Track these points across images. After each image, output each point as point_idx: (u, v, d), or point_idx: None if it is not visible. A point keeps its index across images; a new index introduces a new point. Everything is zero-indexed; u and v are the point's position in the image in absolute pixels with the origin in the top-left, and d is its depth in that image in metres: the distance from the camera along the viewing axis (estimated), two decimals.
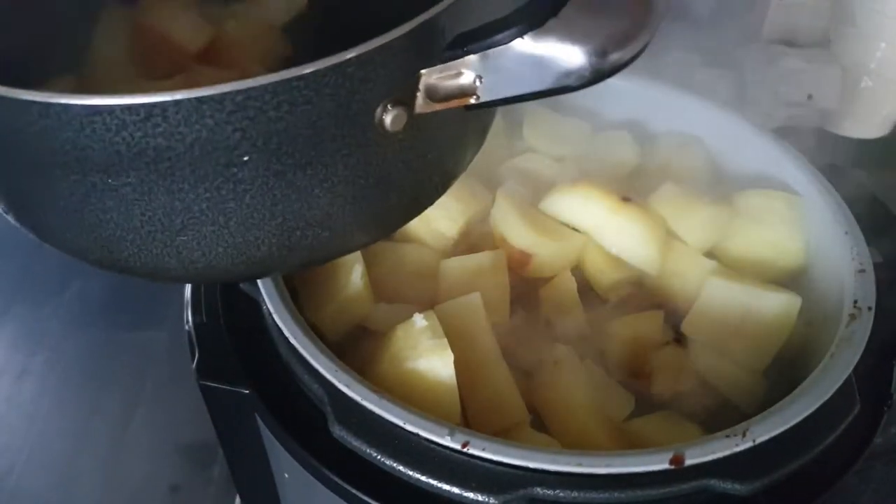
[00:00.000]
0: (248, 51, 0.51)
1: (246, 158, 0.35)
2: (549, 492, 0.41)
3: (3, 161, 0.39)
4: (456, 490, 0.41)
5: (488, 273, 0.55)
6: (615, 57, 0.35)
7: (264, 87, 0.33)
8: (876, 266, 0.52)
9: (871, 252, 0.53)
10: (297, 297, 0.52)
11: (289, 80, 0.33)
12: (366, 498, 0.43)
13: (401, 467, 0.42)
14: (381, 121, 0.37)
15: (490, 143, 0.66)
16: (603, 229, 0.57)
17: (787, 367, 0.54)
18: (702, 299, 0.55)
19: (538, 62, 0.35)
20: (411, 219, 0.47)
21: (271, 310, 0.47)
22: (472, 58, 0.35)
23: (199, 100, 0.33)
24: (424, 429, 0.41)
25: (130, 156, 0.34)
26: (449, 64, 0.36)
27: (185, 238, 0.39)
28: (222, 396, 0.49)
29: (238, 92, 0.33)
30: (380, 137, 0.38)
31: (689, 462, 0.40)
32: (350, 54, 0.34)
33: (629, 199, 0.57)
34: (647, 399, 0.53)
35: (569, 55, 0.34)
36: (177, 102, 0.33)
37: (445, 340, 0.46)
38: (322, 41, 0.37)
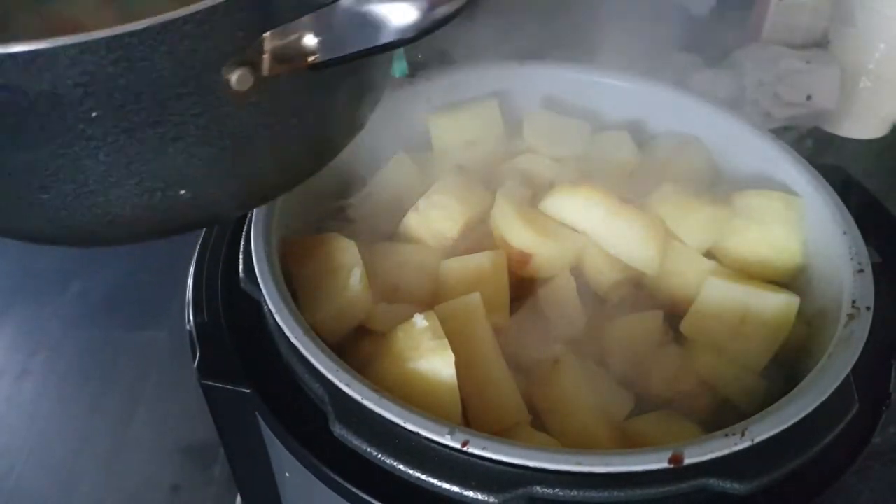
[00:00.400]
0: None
1: (94, 115, 0.36)
2: (548, 490, 0.41)
3: None
4: (456, 489, 0.41)
5: (488, 273, 0.55)
6: (442, 10, 0.37)
7: (98, 42, 0.33)
8: (875, 266, 0.52)
9: (869, 252, 0.53)
10: (297, 299, 0.52)
11: (122, 35, 0.34)
12: (366, 497, 0.43)
13: (401, 466, 0.42)
14: (227, 80, 0.38)
15: (489, 143, 0.67)
16: (602, 231, 0.57)
17: (785, 366, 0.54)
18: (700, 299, 0.55)
19: (369, 20, 0.37)
20: (288, 188, 0.46)
21: (272, 310, 0.47)
22: (306, 19, 0.38)
23: (35, 52, 0.33)
24: (424, 428, 0.41)
25: None
26: (288, 26, 0.38)
27: (48, 196, 0.39)
28: (223, 396, 0.49)
29: (73, 46, 0.33)
30: (230, 97, 0.38)
31: (688, 461, 0.40)
32: (183, 12, 0.34)
33: (628, 201, 0.57)
34: (647, 399, 0.53)
35: (398, 11, 0.37)
36: (13, 56, 0.33)
37: (446, 341, 0.47)
38: None
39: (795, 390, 0.45)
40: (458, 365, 0.49)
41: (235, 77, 0.38)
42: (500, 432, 0.46)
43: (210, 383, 0.49)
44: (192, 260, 0.57)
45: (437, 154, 0.67)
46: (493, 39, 0.70)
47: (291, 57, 0.39)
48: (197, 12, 0.34)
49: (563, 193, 0.58)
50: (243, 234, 0.54)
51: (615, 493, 0.41)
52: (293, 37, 0.38)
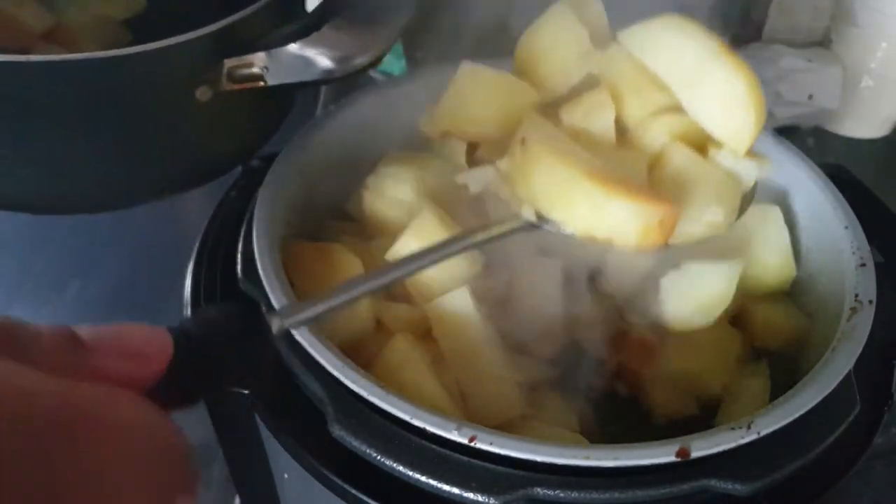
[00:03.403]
0: (89, 36, 0.63)
1: (78, 114, 0.48)
2: (549, 492, 0.41)
3: None
4: (456, 490, 0.41)
5: None
6: (356, 62, 0.53)
7: (95, 60, 0.46)
8: (877, 266, 0.52)
9: (872, 252, 0.53)
10: None
11: (120, 57, 0.46)
12: (365, 498, 0.43)
13: (400, 467, 0.42)
14: (193, 93, 0.51)
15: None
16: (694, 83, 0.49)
17: (789, 362, 0.54)
18: None
19: (305, 60, 0.52)
20: (207, 181, 0.58)
21: (275, 306, 0.47)
22: (260, 54, 0.51)
23: (48, 63, 0.45)
24: (431, 423, 0.41)
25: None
26: (244, 57, 0.51)
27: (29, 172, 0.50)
28: (222, 397, 0.49)
29: (74, 62, 0.46)
30: (190, 106, 0.51)
31: (694, 454, 0.40)
32: (170, 42, 0.48)
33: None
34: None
35: (324, 58, 0.52)
36: (21, 64, 0.45)
37: (424, 363, 0.47)
38: (160, 34, 0.49)
39: (800, 384, 0.44)
40: (454, 362, 0.49)
41: (199, 91, 0.51)
42: (500, 426, 0.46)
43: None
44: (190, 260, 0.57)
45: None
46: (492, 38, 0.70)
47: (244, 79, 0.52)
48: (181, 42, 0.48)
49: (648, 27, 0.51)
50: (242, 234, 0.54)
51: (616, 495, 0.41)
52: (246, 64, 0.51)
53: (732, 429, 0.41)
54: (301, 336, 0.45)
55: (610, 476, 0.41)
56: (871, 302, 0.49)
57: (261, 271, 0.49)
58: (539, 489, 0.41)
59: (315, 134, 0.60)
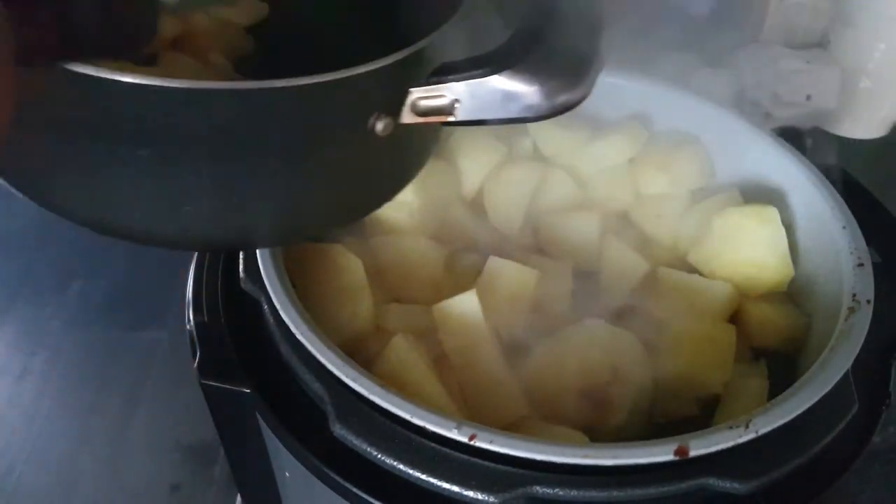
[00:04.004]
0: (213, 43, 0.58)
1: (259, 146, 0.41)
2: (548, 491, 0.41)
3: (42, 131, 0.41)
4: (456, 489, 0.41)
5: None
6: (563, 98, 0.44)
7: (288, 89, 0.39)
8: (874, 267, 0.52)
9: (870, 253, 0.53)
10: None
11: (309, 87, 0.39)
12: (366, 497, 0.43)
13: (401, 466, 0.42)
14: (374, 126, 0.43)
15: (488, 141, 0.67)
16: None
17: (787, 361, 0.54)
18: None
19: (506, 95, 0.43)
20: (375, 209, 0.53)
21: (277, 306, 0.47)
22: (455, 84, 0.43)
23: (236, 91, 0.39)
24: (431, 422, 0.41)
25: (162, 132, 0.40)
26: (434, 87, 0.44)
27: (189, 209, 0.43)
28: (223, 396, 0.49)
29: (268, 90, 0.38)
30: (369, 139, 0.44)
31: (693, 453, 0.40)
32: (363, 69, 0.40)
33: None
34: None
35: (531, 93, 0.43)
36: (215, 91, 0.38)
37: (425, 362, 0.48)
38: (283, 43, 0.46)
39: (798, 383, 0.45)
40: (457, 364, 0.49)
41: (381, 125, 0.43)
42: (503, 428, 0.47)
43: (210, 383, 0.49)
44: (192, 260, 0.57)
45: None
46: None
47: (430, 112, 0.44)
48: (371, 70, 0.40)
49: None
50: None
51: (615, 493, 0.41)
52: (434, 94, 0.44)
53: (731, 428, 0.41)
54: (302, 336, 0.45)
55: (609, 474, 0.41)
56: (868, 302, 0.49)
57: (262, 271, 0.49)
58: (538, 487, 0.41)
59: None
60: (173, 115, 0.38)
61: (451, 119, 0.44)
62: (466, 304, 0.51)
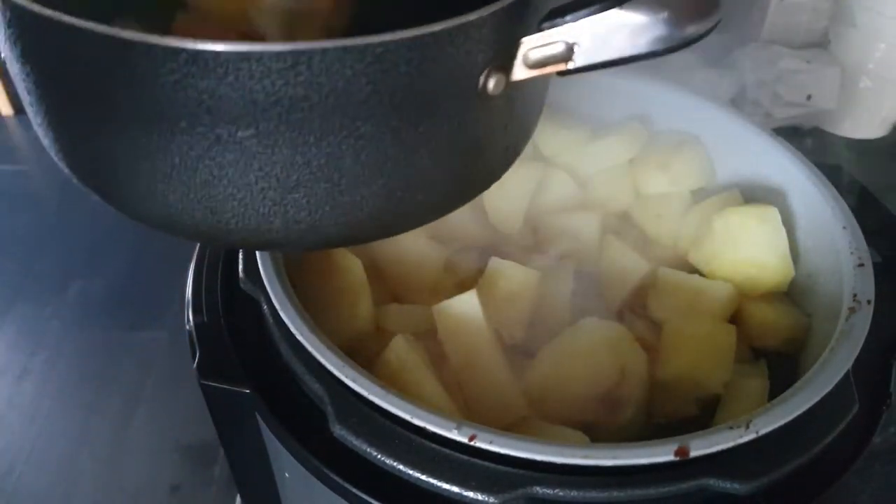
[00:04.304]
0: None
1: (371, 113, 0.37)
2: (548, 491, 0.41)
3: (110, 116, 0.37)
4: (456, 489, 0.41)
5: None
6: (695, 26, 0.39)
7: (400, 42, 0.35)
8: (875, 266, 0.52)
9: (870, 253, 0.53)
10: None
11: (422, 37, 0.35)
12: (366, 497, 0.43)
13: (401, 467, 0.42)
14: (485, 84, 0.38)
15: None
16: None
17: (787, 362, 0.54)
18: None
19: (630, 29, 0.38)
20: (485, 189, 0.47)
21: (277, 307, 0.47)
22: (569, 26, 0.38)
23: (345, 49, 0.34)
24: (431, 423, 0.41)
25: (266, 105, 0.35)
26: (547, 32, 0.38)
27: (297, 196, 0.39)
28: (223, 396, 0.49)
29: (379, 44, 0.34)
30: (480, 101, 0.39)
31: (693, 453, 0.40)
32: (472, 16, 0.36)
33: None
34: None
35: (657, 23, 0.38)
36: (323, 50, 0.34)
37: (425, 363, 0.48)
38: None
39: (798, 383, 0.45)
40: (457, 364, 0.49)
41: (493, 82, 0.38)
42: (502, 429, 0.47)
43: (210, 384, 0.49)
44: (191, 260, 0.57)
45: None
46: None
47: (544, 63, 0.39)
48: (481, 17, 0.36)
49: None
50: None
51: (615, 494, 0.41)
52: (548, 42, 0.39)
53: (731, 428, 0.41)
54: (302, 336, 0.45)
55: (609, 475, 0.41)
56: (869, 302, 0.49)
57: (262, 272, 0.49)
58: (539, 488, 0.41)
59: None
60: (277, 83, 0.34)
61: (569, 67, 0.39)
62: (466, 304, 0.51)
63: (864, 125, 1.01)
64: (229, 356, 0.50)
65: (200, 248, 0.58)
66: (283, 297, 0.47)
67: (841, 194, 0.57)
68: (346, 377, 0.43)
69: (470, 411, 0.49)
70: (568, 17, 0.38)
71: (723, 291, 0.56)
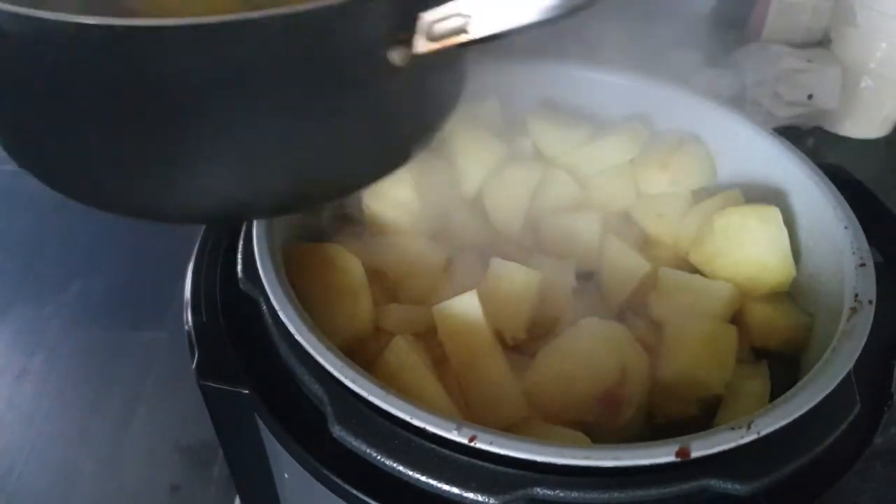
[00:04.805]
0: None
1: (281, 84, 0.40)
2: (549, 492, 0.41)
3: (46, 98, 0.39)
4: (456, 490, 0.41)
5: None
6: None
7: (301, 14, 0.37)
8: (876, 266, 0.52)
9: (871, 252, 0.53)
10: None
11: (321, 9, 0.38)
12: (365, 498, 0.43)
13: (401, 468, 0.42)
14: (387, 57, 0.42)
15: (488, 140, 0.67)
16: None
17: (789, 362, 0.54)
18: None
19: (519, 1, 0.40)
20: (404, 162, 0.50)
21: (276, 307, 0.47)
22: (460, 1, 0.41)
23: (244, 22, 0.36)
24: (431, 423, 0.41)
25: (172, 83, 0.37)
26: (443, 7, 0.41)
27: (208, 167, 0.41)
28: (222, 397, 0.49)
29: (279, 17, 0.36)
30: (388, 72, 0.43)
31: (694, 454, 0.40)
32: None
33: None
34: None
35: None
36: (223, 23, 0.36)
37: (424, 364, 0.48)
38: None
39: (800, 384, 0.44)
40: (458, 364, 0.49)
41: (396, 54, 0.42)
42: (503, 429, 0.46)
43: (209, 384, 0.49)
44: (191, 260, 0.57)
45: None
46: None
47: (444, 36, 0.42)
48: None
49: None
50: (242, 234, 0.54)
51: (616, 495, 0.41)
52: (445, 15, 0.42)
53: (732, 429, 0.41)
54: (301, 336, 0.45)
55: (610, 476, 0.41)
56: (870, 302, 0.49)
57: (261, 272, 0.49)
58: (539, 489, 0.41)
59: None
60: (185, 60, 0.36)
61: (467, 38, 0.42)
62: (466, 304, 0.51)
63: (865, 124, 1.01)
64: (228, 356, 0.50)
65: (199, 248, 0.58)
66: (283, 298, 0.47)
67: (842, 193, 0.57)
68: (346, 378, 0.43)
69: (470, 412, 0.49)
70: None
71: (724, 291, 0.56)
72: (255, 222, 0.52)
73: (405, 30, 0.42)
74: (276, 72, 0.39)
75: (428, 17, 0.42)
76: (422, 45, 0.42)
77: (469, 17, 0.41)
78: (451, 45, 0.42)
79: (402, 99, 0.45)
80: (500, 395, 0.50)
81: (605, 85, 0.70)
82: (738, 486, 0.41)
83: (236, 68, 0.37)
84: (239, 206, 0.45)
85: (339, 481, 0.44)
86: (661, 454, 0.40)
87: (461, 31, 0.42)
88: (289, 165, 0.43)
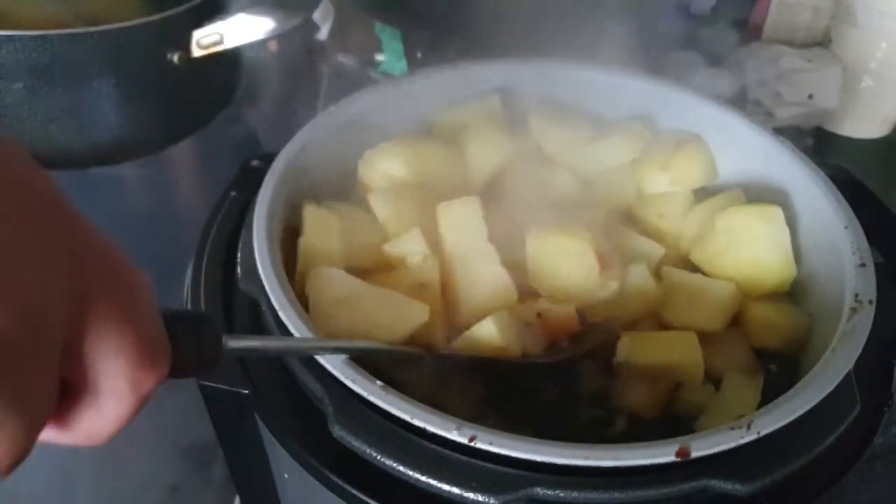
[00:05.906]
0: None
1: (98, 73, 0.70)
2: (549, 492, 0.41)
3: None
4: (456, 490, 0.41)
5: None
6: (292, 21, 0.74)
7: (107, 31, 0.68)
8: (876, 266, 0.52)
9: (872, 253, 0.53)
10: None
11: (124, 28, 0.69)
12: (365, 498, 0.43)
13: (401, 467, 0.42)
14: (172, 58, 0.72)
15: (491, 136, 0.67)
16: None
17: (788, 363, 0.54)
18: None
19: (253, 24, 0.72)
20: (195, 130, 0.82)
21: (276, 307, 0.47)
22: (219, 23, 0.72)
23: (73, 35, 0.67)
24: (431, 423, 0.41)
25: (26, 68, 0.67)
26: (207, 27, 0.72)
27: (55, 126, 0.71)
28: (222, 397, 0.49)
29: (94, 32, 0.68)
30: (175, 69, 0.73)
31: (694, 454, 0.40)
32: (155, 17, 0.70)
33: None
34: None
35: (267, 21, 0.72)
36: (59, 36, 0.66)
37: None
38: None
39: (800, 384, 0.45)
40: (454, 256, 0.55)
41: (176, 56, 0.73)
42: (488, 312, 0.50)
43: (209, 384, 0.48)
44: (190, 260, 0.57)
45: None
46: (493, 37, 0.70)
47: (209, 45, 0.73)
48: (165, 16, 0.71)
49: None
50: (242, 233, 0.54)
51: (616, 495, 0.41)
52: (209, 33, 0.72)
53: (732, 429, 0.41)
54: (301, 336, 0.45)
55: (610, 476, 0.41)
56: (871, 302, 0.49)
57: (261, 271, 0.49)
58: (539, 489, 0.41)
59: (315, 133, 0.61)
60: (32, 56, 0.66)
61: (223, 47, 0.72)
62: (468, 206, 0.55)
63: (865, 124, 1.01)
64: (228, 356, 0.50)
65: (199, 247, 0.57)
66: (283, 298, 0.47)
67: (842, 194, 0.57)
68: (346, 377, 0.43)
69: (455, 309, 0.53)
70: (216, 20, 0.72)
71: (725, 291, 0.56)
72: (254, 221, 0.52)
73: (185, 41, 0.72)
74: (101, 67, 0.69)
75: (198, 34, 0.72)
76: (196, 52, 0.73)
77: (223, 34, 0.72)
78: (214, 51, 0.73)
79: (188, 85, 0.77)
80: (491, 282, 0.53)
81: (607, 85, 0.70)
82: (738, 486, 0.41)
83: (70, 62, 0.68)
84: (79, 155, 0.73)
85: (339, 481, 0.44)
86: (661, 454, 0.40)
87: (219, 42, 0.72)
88: (111, 126, 0.73)
